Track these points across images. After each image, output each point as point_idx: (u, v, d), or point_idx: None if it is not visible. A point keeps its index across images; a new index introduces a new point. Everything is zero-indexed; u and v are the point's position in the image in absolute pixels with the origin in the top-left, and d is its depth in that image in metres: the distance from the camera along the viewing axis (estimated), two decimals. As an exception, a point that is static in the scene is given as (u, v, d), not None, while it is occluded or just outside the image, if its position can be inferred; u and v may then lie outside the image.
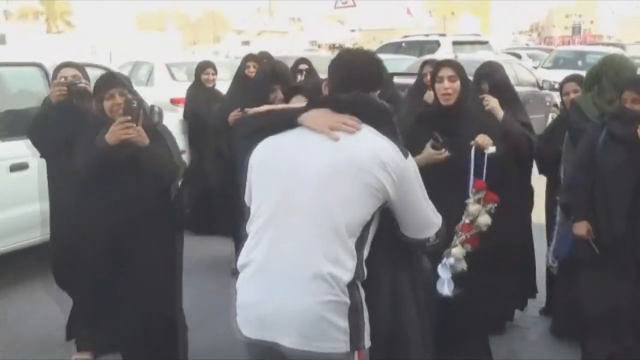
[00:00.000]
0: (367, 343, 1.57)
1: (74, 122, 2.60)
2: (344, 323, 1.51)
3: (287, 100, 2.01)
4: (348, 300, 1.51)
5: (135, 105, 2.36)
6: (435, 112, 2.74)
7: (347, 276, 1.50)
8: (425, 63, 4.24)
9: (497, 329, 3.11)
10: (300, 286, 1.49)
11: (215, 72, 4.81)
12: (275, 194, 1.57)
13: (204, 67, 4.79)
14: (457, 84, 2.59)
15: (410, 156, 1.60)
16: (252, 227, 1.60)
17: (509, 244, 2.82)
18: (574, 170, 2.77)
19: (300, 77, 3.95)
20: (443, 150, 2.49)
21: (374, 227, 1.59)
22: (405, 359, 1.74)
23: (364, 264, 1.55)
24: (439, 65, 2.73)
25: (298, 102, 1.88)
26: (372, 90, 1.67)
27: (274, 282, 1.52)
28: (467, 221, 2.46)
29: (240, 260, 1.60)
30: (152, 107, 4.56)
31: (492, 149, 2.50)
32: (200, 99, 4.74)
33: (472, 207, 2.46)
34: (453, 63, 2.72)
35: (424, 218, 1.65)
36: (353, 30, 43.91)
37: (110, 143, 2.35)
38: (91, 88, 2.68)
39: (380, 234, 1.61)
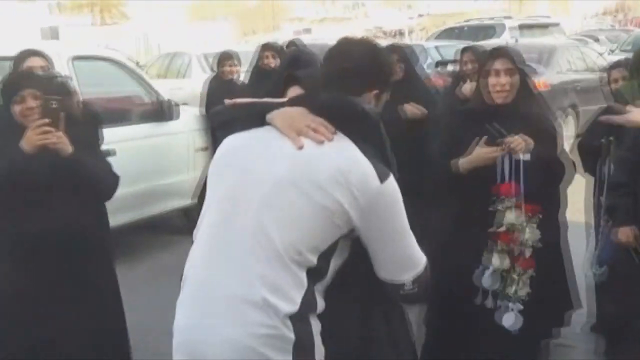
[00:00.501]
0: None
1: None
2: None
3: (284, 91, 1.77)
4: (292, 335, 1.30)
5: (54, 106, 2.06)
6: (481, 111, 2.37)
7: (288, 307, 1.29)
8: (465, 50, 3.90)
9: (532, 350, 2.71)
10: (232, 314, 1.30)
11: (238, 64, 4.59)
12: (222, 200, 1.40)
13: (224, 59, 4.56)
14: (516, 78, 2.26)
15: (391, 179, 1.35)
16: (197, 234, 1.42)
17: (544, 251, 2.51)
18: (617, 168, 2.51)
19: None
20: (502, 146, 2.19)
21: (339, 258, 1.38)
22: None
23: (318, 295, 1.36)
24: (492, 55, 2.35)
25: (294, 93, 1.68)
26: (368, 89, 1.44)
27: (206, 306, 1.35)
28: (502, 229, 2.23)
29: (184, 273, 1.43)
30: (169, 101, 4.48)
31: (526, 156, 2.21)
32: (220, 93, 4.42)
33: (509, 214, 2.24)
34: (510, 52, 2.36)
35: (399, 257, 1.39)
36: (421, 15, 42.23)
37: (25, 150, 2.04)
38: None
39: (352, 265, 1.41)
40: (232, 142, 1.45)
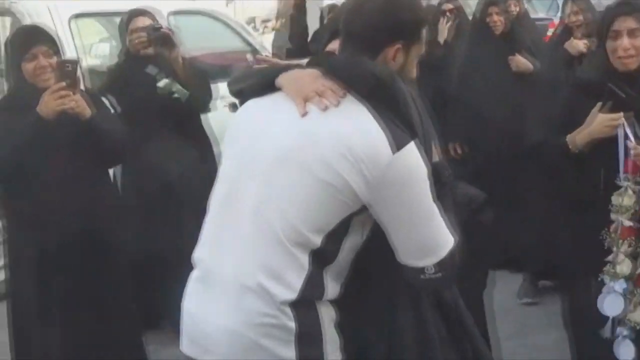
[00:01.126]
0: None
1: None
2: (288, 353, 1.21)
3: (324, 47, 1.69)
4: (292, 323, 1.21)
5: (69, 68, 2.00)
6: (601, 79, 2.00)
7: (286, 294, 1.20)
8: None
9: None
10: (231, 301, 1.24)
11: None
12: (228, 175, 1.33)
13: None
14: None
15: (409, 147, 1.18)
16: (208, 206, 1.37)
17: None
18: None
19: (443, 21, 3.58)
20: (626, 113, 1.83)
21: (355, 240, 1.25)
22: None
23: (329, 280, 1.24)
24: (613, 12, 2.00)
25: (334, 47, 1.56)
26: (386, 45, 1.29)
27: (209, 291, 1.29)
28: (626, 223, 1.84)
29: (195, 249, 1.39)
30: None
31: None
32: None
33: (628, 200, 1.84)
34: (637, 9, 1.97)
35: (418, 240, 1.22)
36: None
37: (43, 116, 1.97)
38: (174, 35, 2.54)
39: (377, 248, 1.27)
40: (242, 112, 1.38)
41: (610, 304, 1.89)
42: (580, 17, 3.36)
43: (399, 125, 1.20)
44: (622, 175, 1.88)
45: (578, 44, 3.14)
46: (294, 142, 1.22)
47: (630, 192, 1.85)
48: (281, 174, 1.22)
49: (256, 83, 1.36)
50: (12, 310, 2.28)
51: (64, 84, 1.97)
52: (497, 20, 3.28)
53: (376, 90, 1.22)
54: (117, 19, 3.24)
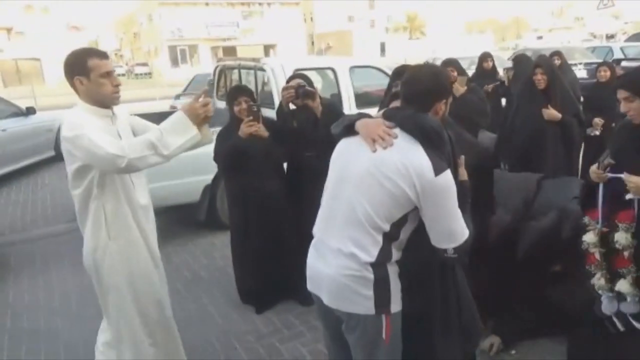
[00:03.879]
0: (396, 309, 1.78)
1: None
2: (368, 292, 1.73)
3: (388, 105, 2.13)
4: (371, 276, 1.73)
5: (255, 109, 3.17)
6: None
7: (368, 258, 1.72)
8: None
9: None
10: (332, 259, 1.77)
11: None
12: (333, 182, 1.85)
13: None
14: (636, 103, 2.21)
15: (445, 173, 1.64)
16: (321, 204, 1.92)
17: None
18: None
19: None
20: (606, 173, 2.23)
21: (410, 226, 1.76)
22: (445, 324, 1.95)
23: (394, 250, 1.76)
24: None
25: (395, 104, 1.98)
26: (437, 101, 1.78)
27: (320, 252, 1.85)
28: (624, 255, 2.25)
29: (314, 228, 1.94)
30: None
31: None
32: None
33: (621, 237, 2.24)
34: (625, 84, 2.28)
35: (444, 230, 1.70)
36: (627, 23, 54.09)
37: (241, 136, 3.18)
38: (316, 91, 3.26)
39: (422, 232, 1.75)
40: (339, 146, 1.89)
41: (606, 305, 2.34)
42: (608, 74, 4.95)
43: (441, 157, 1.67)
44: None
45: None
46: (370, 166, 1.70)
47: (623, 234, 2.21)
48: (365, 185, 1.70)
49: (344, 129, 1.86)
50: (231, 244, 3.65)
51: (251, 117, 3.16)
52: (541, 79, 3.87)
53: (427, 135, 1.66)
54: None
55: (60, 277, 4.30)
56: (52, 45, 33.96)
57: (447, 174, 1.65)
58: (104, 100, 2.22)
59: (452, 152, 1.74)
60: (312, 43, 52.54)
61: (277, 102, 4.42)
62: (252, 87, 5.37)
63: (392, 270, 1.77)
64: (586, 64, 9.71)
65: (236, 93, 3.36)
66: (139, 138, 2.12)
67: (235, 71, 6.06)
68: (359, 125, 1.79)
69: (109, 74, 2.20)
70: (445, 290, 1.92)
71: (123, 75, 41.41)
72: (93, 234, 2.31)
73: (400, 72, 3.24)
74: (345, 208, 1.76)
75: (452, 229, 1.69)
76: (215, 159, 3.38)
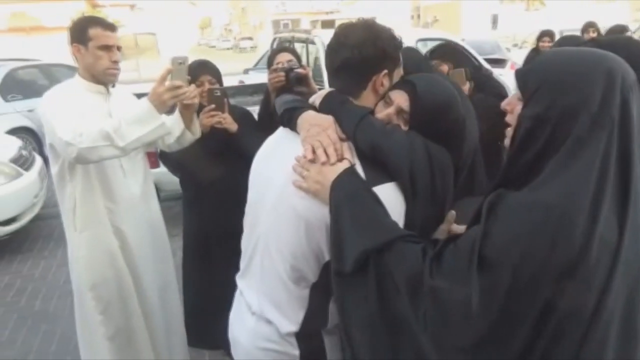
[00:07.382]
0: None
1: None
2: None
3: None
4: (296, 352, 1.25)
5: (218, 94, 2.36)
6: None
7: (288, 327, 1.24)
8: None
9: None
10: (249, 321, 1.32)
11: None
12: (252, 204, 1.36)
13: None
14: None
15: (386, 186, 1.17)
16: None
17: None
18: None
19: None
20: None
21: None
22: None
23: (329, 311, 1.24)
24: None
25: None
26: (376, 73, 1.26)
27: (239, 308, 1.39)
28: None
29: None
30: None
31: None
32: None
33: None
34: None
35: None
36: None
37: (202, 129, 2.33)
38: (309, 73, 2.49)
39: None
40: (268, 142, 1.39)
41: None
42: None
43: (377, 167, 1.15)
44: None
45: None
46: (286, 182, 1.20)
47: None
48: (275, 213, 1.23)
49: (282, 117, 1.33)
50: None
51: (212, 105, 2.35)
52: (547, 47, 4.03)
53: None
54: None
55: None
56: (167, 20, 36.00)
57: (387, 188, 1.14)
58: (98, 75, 2.10)
59: (434, 189, 1.15)
60: (418, 16, 50.73)
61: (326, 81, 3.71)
62: (304, 61, 4.74)
63: (330, 341, 1.25)
64: None
65: (197, 70, 2.41)
66: (97, 126, 1.89)
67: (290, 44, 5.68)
68: (300, 121, 1.26)
69: (108, 48, 2.07)
70: None
71: (229, 49, 42.56)
72: (66, 224, 2.17)
73: (436, 50, 2.95)
74: (260, 253, 1.29)
75: None
76: (162, 160, 2.63)
